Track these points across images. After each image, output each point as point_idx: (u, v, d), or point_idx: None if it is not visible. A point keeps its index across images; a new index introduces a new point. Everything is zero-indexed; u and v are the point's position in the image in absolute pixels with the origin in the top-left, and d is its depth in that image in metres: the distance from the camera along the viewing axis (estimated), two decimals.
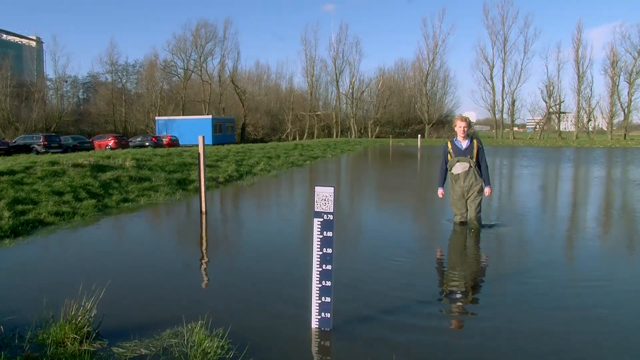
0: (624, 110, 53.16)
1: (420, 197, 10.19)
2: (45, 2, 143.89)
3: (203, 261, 4.93)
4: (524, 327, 3.09)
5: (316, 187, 2.92)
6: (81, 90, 67.46)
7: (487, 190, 5.95)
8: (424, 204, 9.11)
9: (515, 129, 65.58)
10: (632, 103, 52.29)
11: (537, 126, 60.64)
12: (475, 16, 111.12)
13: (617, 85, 52.70)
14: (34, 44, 78.96)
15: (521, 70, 56.97)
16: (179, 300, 3.59)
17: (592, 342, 2.91)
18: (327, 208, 2.91)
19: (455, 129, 6.01)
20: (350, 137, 59.17)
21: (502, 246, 5.56)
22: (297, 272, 4.17)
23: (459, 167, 5.98)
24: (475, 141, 5.97)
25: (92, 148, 29.55)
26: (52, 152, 22.86)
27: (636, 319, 3.26)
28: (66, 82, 60.38)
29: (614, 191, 11.03)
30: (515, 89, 57.67)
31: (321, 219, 2.92)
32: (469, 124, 6.00)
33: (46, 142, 27.19)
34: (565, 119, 69.05)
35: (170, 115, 50.91)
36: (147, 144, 33.12)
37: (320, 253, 2.95)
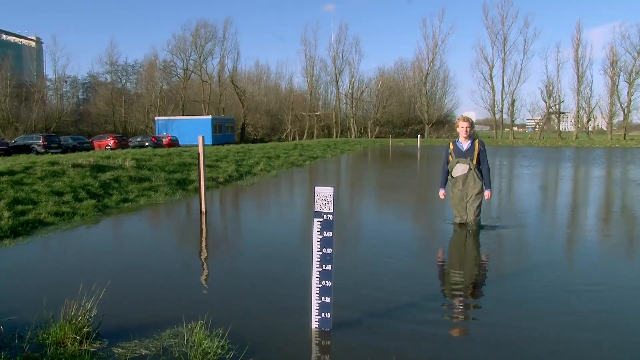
0: (623, 110, 53.21)
1: (420, 197, 10.19)
2: (45, 2, 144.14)
3: (203, 261, 4.93)
4: (525, 328, 3.09)
5: (316, 187, 2.92)
6: (81, 91, 67.49)
7: (486, 193, 5.87)
8: (424, 204, 9.11)
9: (515, 129, 65.59)
10: (632, 103, 52.39)
11: (537, 126, 60.67)
12: (475, 16, 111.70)
13: (617, 85, 52.79)
14: (33, 44, 78.98)
15: (521, 70, 57.13)
16: (179, 300, 3.59)
17: (593, 343, 2.91)
18: (327, 208, 2.91)
19: (458, 129, 5.95)
20: (350, 137, 59.18)
21: (502, 246, 5.56)
22: (297, 272, 4.17)
23: (459, 169, 5.93)
24: (477, 143, 5.88)
25: (91, 148, 29.55)
26: (52, 153, 22.85)
27: (637, 319, 3.26)
28: (66, 82, 60.44)
29: (614, 191, 11.03)
30: (515, 89, 57.85)
31: (321, 219, 2.92)
32: (472, 125, 5.93)
33: (46, 143, 27.19)
34: (565, 119, 69.13)
35: (170, 116, 50.96)
36: (146, 144, 33.11)
37: (320, 253, 2.95)
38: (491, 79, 58.49)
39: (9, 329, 2.92)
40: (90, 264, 4.71)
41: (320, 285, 2.96)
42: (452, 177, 6.03)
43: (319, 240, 2.94)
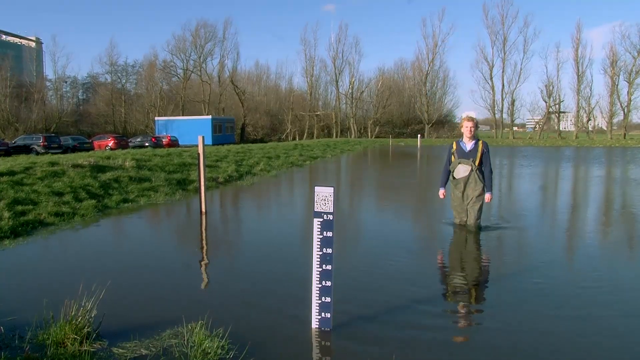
0: (623, 110, 53.23)
1: (420, 197, 10.19)
2: (45, 2, 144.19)
3: (203, 261, 4.93)
4: (525, 328, 3.09)
5: (316, 187, 2.92)
6: (81, 91, 67.53)
7: (487, 196, 5.80)
8: (424, 204, 9.11)
9: (515, 128, 65.61)
10: (632, 102, 52.42)
11: (537, 126, 60.67)
12: (475, 16, 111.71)
13: (617, 85, 52.84)
14: (33, 44, 78.99)
15: (521, 70, 57.19)
16: (179, 301, 3.59)
17: (593, 343, 2.91)
18: (327, 208, 2.91)
19: (462, 129, 5.87)
20: (350, 137, 59.18)
21: (502, 246, 5.56)
22: (297, 272, 4.17)
23: (461, 170, 5.87)
24: (480, 143, 5.78)
25: (91, 148, 29.58)
26: (52, 153, 22.88)
27: (637, 319, 3.26)
28: (66, 82, 60.48)
29: (614, 190, 11.03)
30: (515, 88, 57.90)
31: (321, 219, 2.93)
32: (477, 125, 5.84)
33: (46, 143, 27.21)
34: (564, 119, 69.18)
35: (170, 116, 50.95)
36: (146, 144, 33.13)
37: (320, 253, 2.95)
38: (491, 78, 58.61)
39: (9, 329, 2.93)
40: (90, 264, 4.71)
41: (320, 285, 2.97)
42: (454, 178, 5.98)
43: (319, 240, 2.94)
